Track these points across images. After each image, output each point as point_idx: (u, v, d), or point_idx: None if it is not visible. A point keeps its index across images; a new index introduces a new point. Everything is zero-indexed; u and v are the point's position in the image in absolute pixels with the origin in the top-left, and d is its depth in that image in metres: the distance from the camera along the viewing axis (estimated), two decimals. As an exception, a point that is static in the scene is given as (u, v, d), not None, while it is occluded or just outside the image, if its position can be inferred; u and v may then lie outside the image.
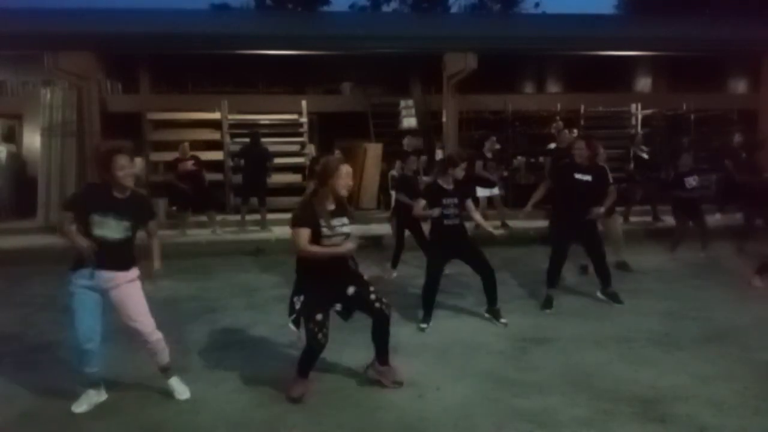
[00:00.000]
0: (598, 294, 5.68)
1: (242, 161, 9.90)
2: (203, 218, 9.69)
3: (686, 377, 3.88)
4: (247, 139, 10.28)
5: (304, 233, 3.52)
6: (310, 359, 3.62)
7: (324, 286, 3.58)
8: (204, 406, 3.58)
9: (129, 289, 3.51)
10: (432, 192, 5.05)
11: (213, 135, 11.53)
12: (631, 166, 9.98)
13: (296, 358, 3.71)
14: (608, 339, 4.65)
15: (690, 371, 3.97)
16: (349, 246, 3.58)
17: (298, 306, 3.57)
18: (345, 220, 3.65)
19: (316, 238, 3.54)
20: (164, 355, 3.67)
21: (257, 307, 5.81)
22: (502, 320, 5.07)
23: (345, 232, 3.62)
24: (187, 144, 9.72)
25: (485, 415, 3.42)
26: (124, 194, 3.47)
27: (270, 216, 10.09)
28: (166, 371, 3.72)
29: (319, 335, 3.49)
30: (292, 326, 3.60)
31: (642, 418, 3.34)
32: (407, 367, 3.98)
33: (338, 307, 3.71)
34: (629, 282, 6.36)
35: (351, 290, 3.66)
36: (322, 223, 3.53)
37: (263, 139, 11.24)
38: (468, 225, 5.21)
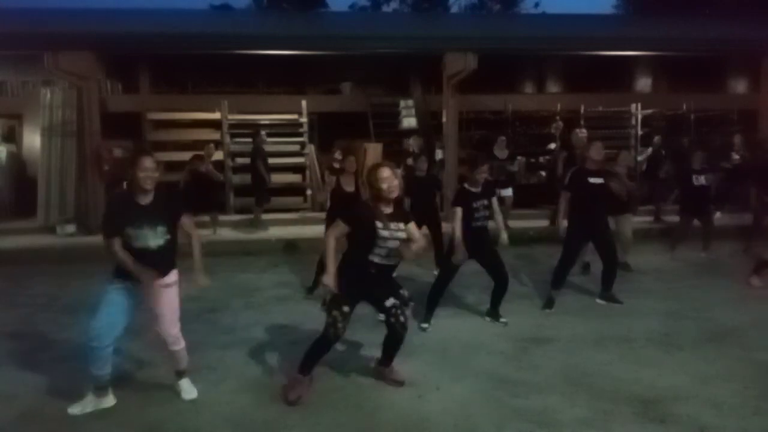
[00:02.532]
0: (598, 300, 5.68)
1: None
2: (203, 218, 9.67)
3: (686, 377, 3.88)
4: (248, 139, 10.33)
5: (340, 225, 3.57)
6: (320, 350, 3.62)
7: (363, 285, 3.60)
8: (204, 406, 3.58)
9: (164, 295, 3.49)
10: (462, 197, 4.99)
11: (213, 135, 11.53)
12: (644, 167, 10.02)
13: (297, 358, 3.70)
14: (608, 339, 4.66)
15: (690, 371, 3.97)
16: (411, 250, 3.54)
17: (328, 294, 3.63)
18: (401, 225, 3.61)
19: (371, 238, 3.53)
20: (184, 362, 3.69)
21: (257, 307, 5.81)
22: (502, 320, 5.08)
23: (400, 237, 3.58)
24: (212, 146, 9.72)
25: (485, 415, 3.42)
26: (147, 199, 3.43)
27: (269, 216, 10.09)
28: (181, 373, 3.72)
29: (339, 325, 3.52)
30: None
31: (642, 418, 3.35)
32: (407, 367, 3.98)
33: (381, 317, 3.73)
34: (629, 282, 6.36)
35: (390, 302, 3.65)
36: (379, 224, 3.51)
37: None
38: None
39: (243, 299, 6.10)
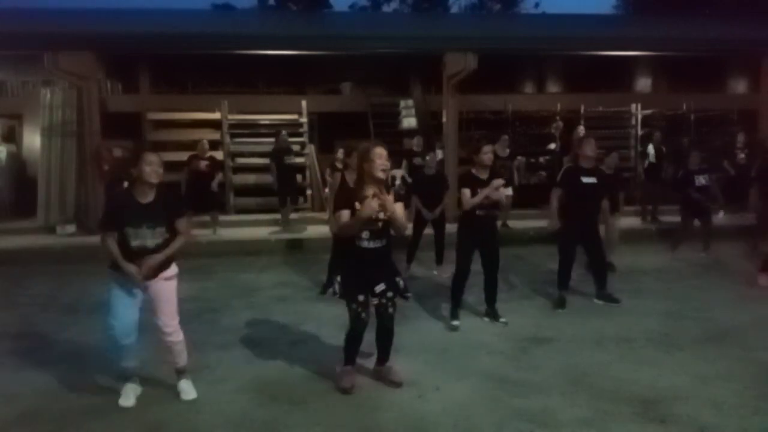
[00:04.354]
0: (595, 300, 5.67)
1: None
2: (204, 218, 9.67)
3: (686, 377, 3.88)
4: (248, 139, 10.30)
5: (345, 214, 3.59)
6: (354, 340, 3.75)
7: (360, 273, 3.65)
8: (204, 406, 3.58)
9: (163, 287, 3.55)
10: (467, 182, 4.95)
11: (213, 135, 11.53)
12: (646, 163, 9.97)
13: (297, 358, 3.71)
14: (608, 339, 4.65)
15: (690, 371, 3.97)
16: (371, 206, 3.46)
17: (337, 286, 3.70)
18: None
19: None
20: (183, 357, 3.69)
21: (257, 307, 5.81)
22: (502, 319, 5.07)
23: (382, 218, 3.59)
24: (205, 142, 9.64)
25: (485, 415, 3.42)
26: (148, 198, 3.46)
27: (270, 216, 10.10)
28: (181, 373, 3.73)
29: (363, 314, 3.65)
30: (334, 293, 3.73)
31: (642, 418, 3.34)
32: (407, 367, 3.98)
33: (375, 301, 3.72)
34: (629, 282, 6.36)
35: (380, 288, 3.67)
36: (358, 206, 3.55)
37: (263, 139, 11.29)
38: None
39: (243, 299, 6.10)
